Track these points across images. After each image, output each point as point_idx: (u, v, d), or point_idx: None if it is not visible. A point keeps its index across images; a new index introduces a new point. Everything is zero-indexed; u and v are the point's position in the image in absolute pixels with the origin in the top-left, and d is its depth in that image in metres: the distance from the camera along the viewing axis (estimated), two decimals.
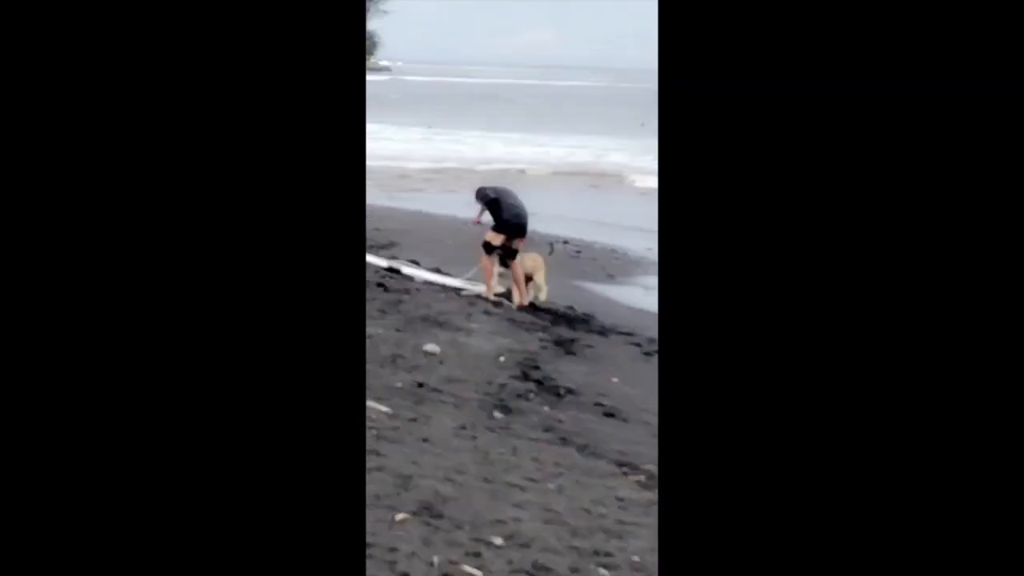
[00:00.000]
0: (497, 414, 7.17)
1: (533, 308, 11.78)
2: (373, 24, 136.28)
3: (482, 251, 12.07)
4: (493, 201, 12.23)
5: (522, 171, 28.61)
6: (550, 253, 12.24)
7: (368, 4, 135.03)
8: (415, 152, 33.57)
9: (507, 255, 12.00)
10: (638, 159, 30.69)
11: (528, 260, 12.11)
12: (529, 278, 12.06)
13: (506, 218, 12.07)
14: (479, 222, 12.45)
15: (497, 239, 12.00)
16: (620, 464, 6.38)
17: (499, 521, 4.90)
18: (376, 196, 22.13)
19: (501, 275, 12.11)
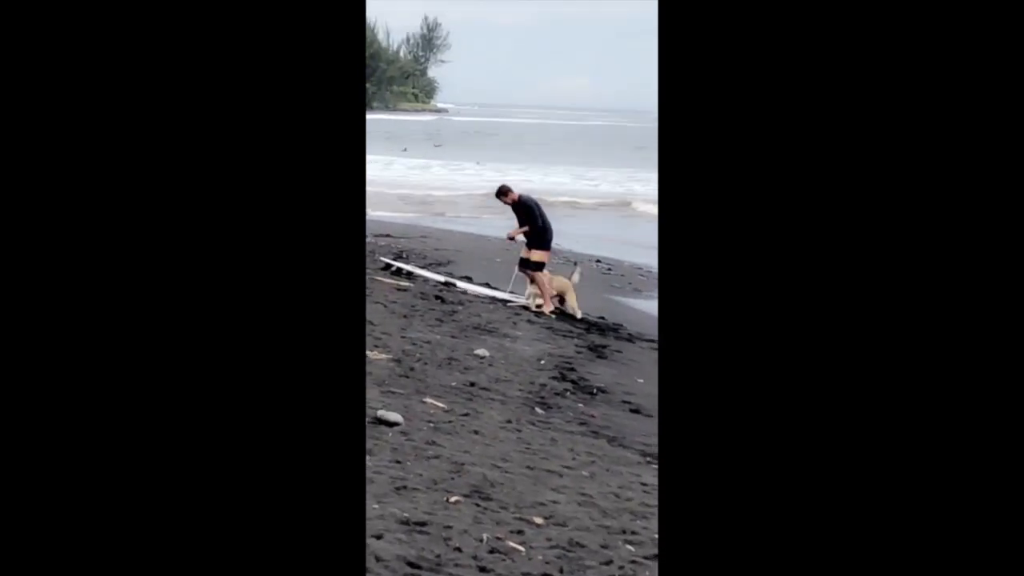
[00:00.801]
0: (538, 410, 7.16)
1: (569, 317, 11.68)
2: (433, 72, 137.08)
3: (527, 270, 11.71)
4: (532, 207, 11.77)
5: (573, 202, 28.04)
6: (572, 275, 11.95)
7: (429, 55, 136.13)
8: (466, 183, 33.30)
9: (535, 267, 11.67)
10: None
11: (556, 282, 11.78)
12: (561, 299, 11.74)
13: (542, 226, 11.67)
14: (513, 238, 12.08)
15: (534, 255, 11.63)
16: (644, 454, 6.35)
17: (539, 503, 4.89)
18: (435, 220, 22.20)
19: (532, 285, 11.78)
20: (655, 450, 6.41)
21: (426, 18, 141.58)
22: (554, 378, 8.25)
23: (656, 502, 5.18)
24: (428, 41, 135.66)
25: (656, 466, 6.03)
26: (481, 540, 4.22)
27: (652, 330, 11.43)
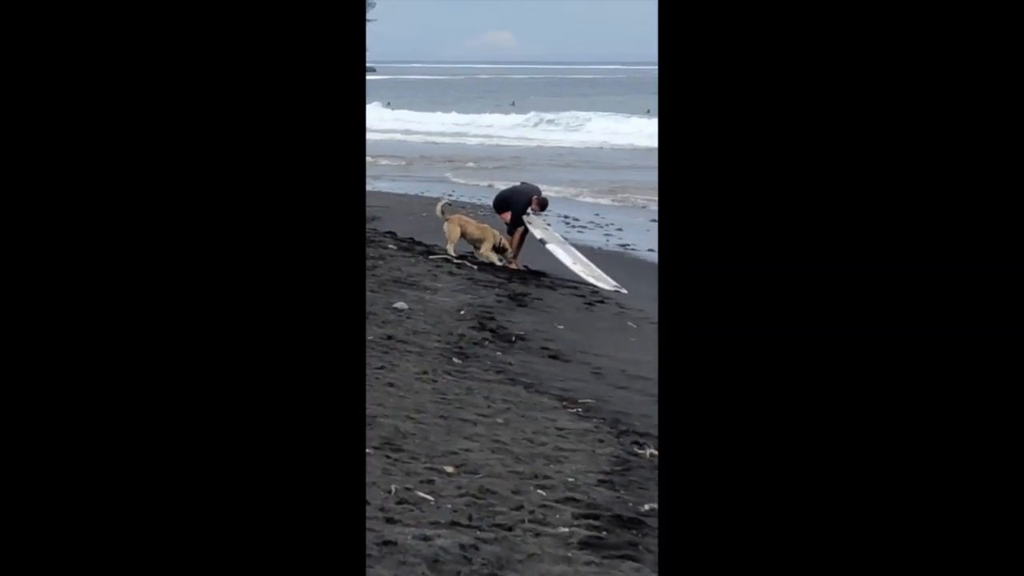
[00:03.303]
0: (455, 360, 7.07)
1: (490, 267, 11.67)
2: None
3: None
4: (507, 198, 12.44)
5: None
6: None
7: None
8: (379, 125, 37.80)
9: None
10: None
11: (478, 231, 12.16)
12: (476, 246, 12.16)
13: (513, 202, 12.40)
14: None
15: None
16: (561, 399, 6.28)
17: (451, 452, 4.82)
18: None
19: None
20: (572, 395, 6.41)
21: None
22: (473, 328, 8.16)
23: (571, 446, 5.23)
24: None
25: (572, 410, 6.05)
26: (389, 491, 4.13)
27: (568, 275, 11.50)
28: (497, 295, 9.88)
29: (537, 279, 11.38)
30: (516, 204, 12.31)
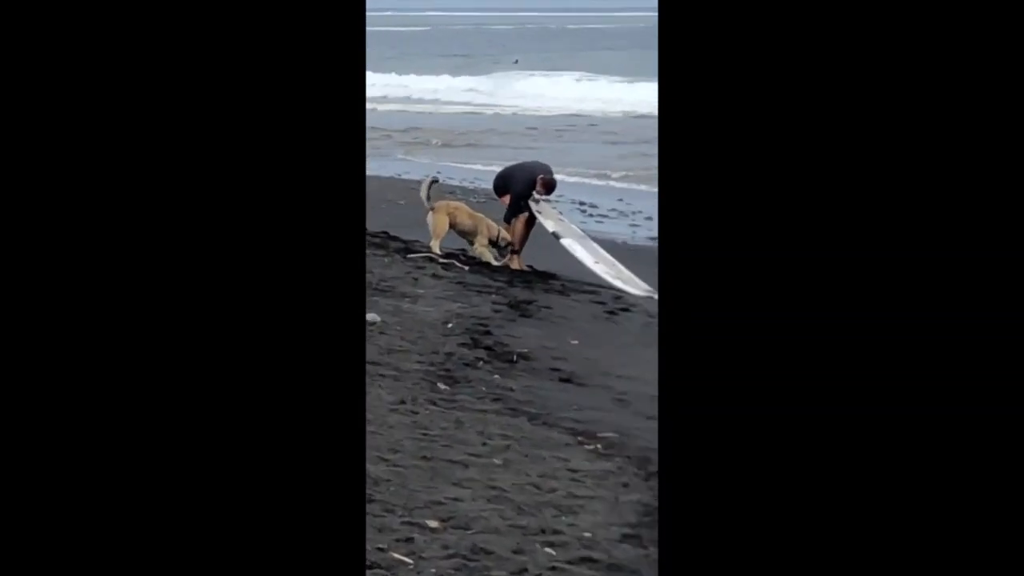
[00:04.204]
0: (441, 385, 7.11)
1: (486, 267, 11.73)
2: None
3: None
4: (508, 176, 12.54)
5: None
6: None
7: None
8: None
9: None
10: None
11: (470, 221, 12.33)
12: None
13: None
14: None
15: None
16: (575, 432, 6.33)
17: (436, 502, 4.87)
18: None
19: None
20: (589, 428, 6.46)
21: None
22: (464, 345, 8.21)
23: (587, 492, 5.27)
24: None
25: (589, 447, 6.09)
26: None
27: (588, 277, 11.54)
28: (494, 303, 9.94)
29: (545, 282, 11.41)
30: (516, 184, 12.36)
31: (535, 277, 11.66)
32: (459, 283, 10.63)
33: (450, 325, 8.78)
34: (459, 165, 22.22)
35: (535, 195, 12.23)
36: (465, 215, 12.33)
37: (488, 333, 8.71)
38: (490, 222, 12.30)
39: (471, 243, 12.22)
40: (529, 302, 10.20)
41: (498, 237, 12.21)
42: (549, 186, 12.41)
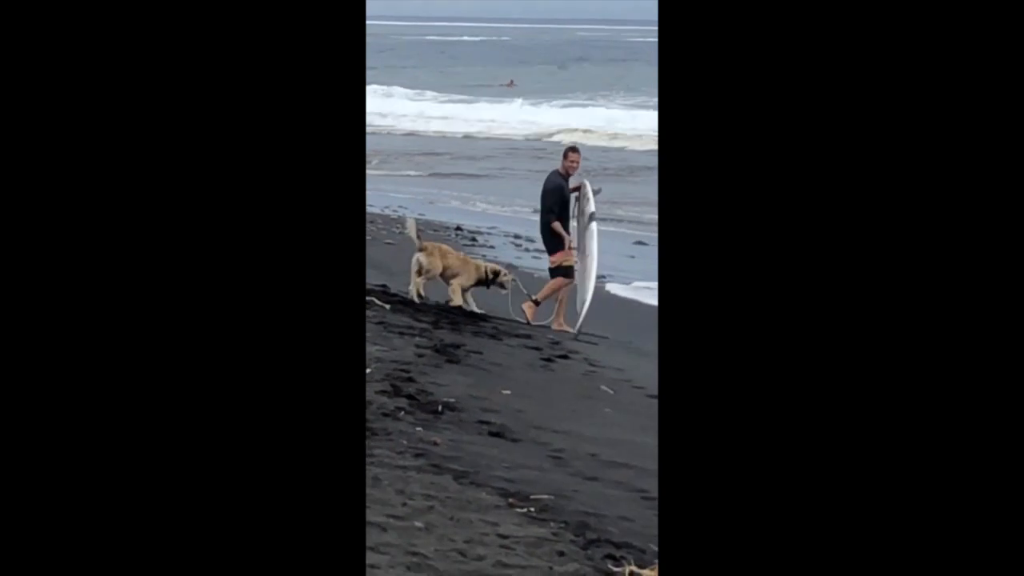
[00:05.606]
0: None
1: (410, 305, 11.49)
2: None
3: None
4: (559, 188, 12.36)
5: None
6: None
7: None
8: None
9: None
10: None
11: (458, 263, 12.30)
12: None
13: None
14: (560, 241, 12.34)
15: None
16: (506, 494, 6.23)
17: None
18: None
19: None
20: (521, 489, 6.39)
21: None
22: (383, 392, 8.02)
23: (518, 561, 5.24)
24: None
25: (521, 510, 6.05)
26: None
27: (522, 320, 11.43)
28: (418, 346, 9.75)
29: (475, 324, 11.33)
30: (546, 199, 12.36)
31: (464, 318, 11.50)
32: (379, 323, 10.40)
33: (368, 371, 8.47)
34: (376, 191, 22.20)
35: (568, 174, 12.29)
36: (453, 257, 12.37)
37: (410, 380, 8.53)
38: (478, 262, 12.37)
39: (447, 282, 12.20)
40: (457, 346, 10.06)
41: (486, 273, 12.22)
42: (574, 152, 12.57)
